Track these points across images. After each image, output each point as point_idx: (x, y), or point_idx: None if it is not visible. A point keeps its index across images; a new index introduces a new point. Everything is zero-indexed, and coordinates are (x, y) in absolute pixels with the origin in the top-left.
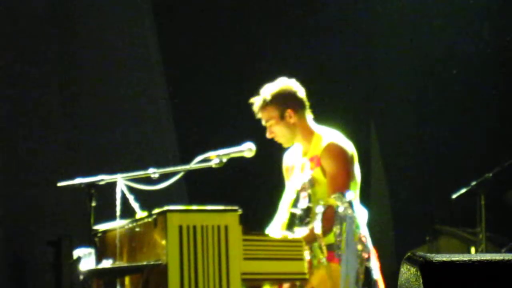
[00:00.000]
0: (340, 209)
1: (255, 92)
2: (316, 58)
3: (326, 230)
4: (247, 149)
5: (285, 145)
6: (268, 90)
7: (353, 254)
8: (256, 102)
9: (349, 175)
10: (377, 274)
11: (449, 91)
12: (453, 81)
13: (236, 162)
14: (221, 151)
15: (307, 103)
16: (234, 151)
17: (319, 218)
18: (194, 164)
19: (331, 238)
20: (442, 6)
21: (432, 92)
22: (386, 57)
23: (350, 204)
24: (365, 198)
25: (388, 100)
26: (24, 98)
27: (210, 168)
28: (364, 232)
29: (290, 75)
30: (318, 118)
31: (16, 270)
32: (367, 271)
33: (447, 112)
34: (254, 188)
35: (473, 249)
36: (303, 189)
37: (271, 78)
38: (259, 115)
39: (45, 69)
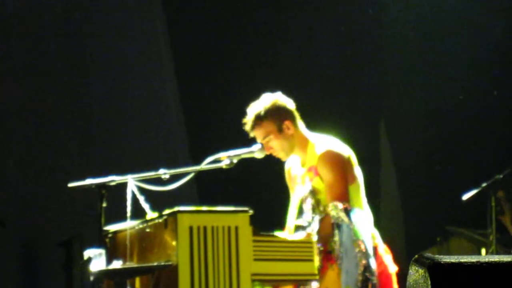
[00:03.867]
0: (336, 218)
1: (266, 92)
2: (323, 58)
3: (321, 238)
4: (258, 150)
5: (283, 159)
6: (259, 107)
7: (352, 262)
8: (249, 121)
9: (346, 181)
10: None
11: (460, 91)
12: (465, 82)
13: (246, 163)
14: (232, 152)
15: (297, 113)
16: (244, 152)
17: (315, 226)
18: (204, 165)
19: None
20: (453, 6)
21: (443, 92)
22: (397, 58)
23: (346, 212)
24: (375, 199)
25: (399, 100)
26: (36, 99)
27: (220, 169)
28: (366, 239)
29: (298, 75)
30: (327, 120)
31: (27, 271)
32: (366, 279)
33: (458, 113)
34: (265, 189)
35: (483, 251)
36: (305, 200)
37: (280, 77)
38: (253, 134)
39: (58, 73)
